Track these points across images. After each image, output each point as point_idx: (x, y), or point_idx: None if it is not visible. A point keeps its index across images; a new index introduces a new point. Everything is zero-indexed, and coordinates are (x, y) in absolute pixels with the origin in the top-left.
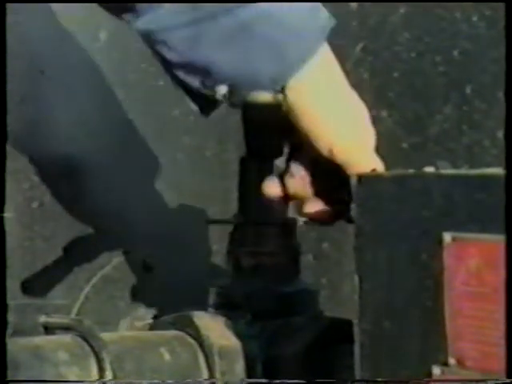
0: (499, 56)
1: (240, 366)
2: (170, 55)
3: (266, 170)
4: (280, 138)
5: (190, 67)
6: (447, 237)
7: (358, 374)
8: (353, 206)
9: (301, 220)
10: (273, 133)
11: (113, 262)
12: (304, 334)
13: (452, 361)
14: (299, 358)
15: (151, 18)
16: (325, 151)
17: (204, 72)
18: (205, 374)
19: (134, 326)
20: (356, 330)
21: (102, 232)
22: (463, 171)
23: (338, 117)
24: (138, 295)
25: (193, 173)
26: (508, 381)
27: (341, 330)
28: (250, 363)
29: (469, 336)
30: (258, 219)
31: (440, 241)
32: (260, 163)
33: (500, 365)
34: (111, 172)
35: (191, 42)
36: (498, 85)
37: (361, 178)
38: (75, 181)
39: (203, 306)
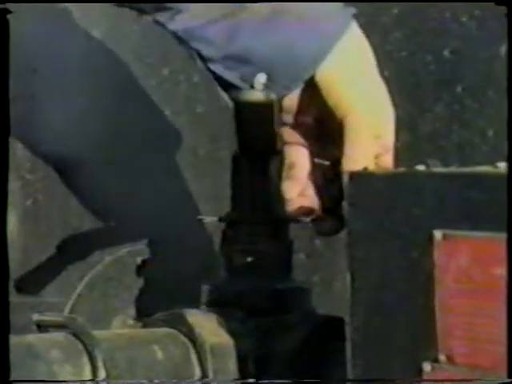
0: (489, 55)
1: (232, 364)
2: (208, 51)
3: (258, 168)
4: (272, 136)
5: (229, 61)
6: (438, 234)
7: (349, 371)
8: (344, 204)
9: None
10: (265, 131)
11: (105, 261)
12: (296, 332)
13: (442, 357)
14: (292, 355)
15: (188, 16)
16: (351, 125)
17: (243, 63)
18: (197, 371)
19: (126, 323)
20: (347, 327)
21: (95, 230)
22: (454, 169)
23: (368, 91)
24: (131, 293)
25: (185, 171)
26: (508, 381)
27: (333, 328)
28: (243, 361)
29: (459, 333)
30: (251, 217)
31: (431, 238)
32: (252, 161)
33: (491, 362)
34: (105, 171)
35: (229, 34)
36: (488, 84)
37: (352, 176)
38: (68, 179)
39: (196, 304)
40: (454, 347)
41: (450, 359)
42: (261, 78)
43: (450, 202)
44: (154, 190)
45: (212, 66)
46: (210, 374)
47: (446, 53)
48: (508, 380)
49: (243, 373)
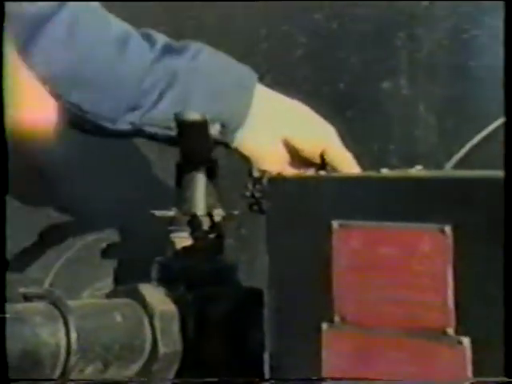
0: (374, 89)
1: (176, 326)
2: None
3: (196, 172)
4: (206, 147)
5: None
6: (335, 224)
7: (266, 330)
8: (264, 201)
9: None
10: (200, 143)
11: (77, 245)
12: (226, 301)
13: (337, 319)
14: (223, 319)
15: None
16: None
17: None
18: (148, 332)
19: (93, 295)
20: (266, 296)
21: (70, 221)
22: (347, 174)
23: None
24: (97, 271)
25: (139, 174)
26: (508, 380)
27: (254, 297)
28: (184, 324)
29: (350, 300)
30: (190, 211)
31: (329, 227)
32: (191, 167)
33: (376, 321)
34: (78, 175)
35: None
36: (372, 111)
37: (270, 179)
38: (49, 181)
39: (148, 279)
40: (346, 311)
41: (342, 320)
42: (216, 128)
43: (345, 199)
44: (116, 189)
45: None
46: (158, 334)
47: (341, 86)
48: (508, 380)
49: (184, 334)
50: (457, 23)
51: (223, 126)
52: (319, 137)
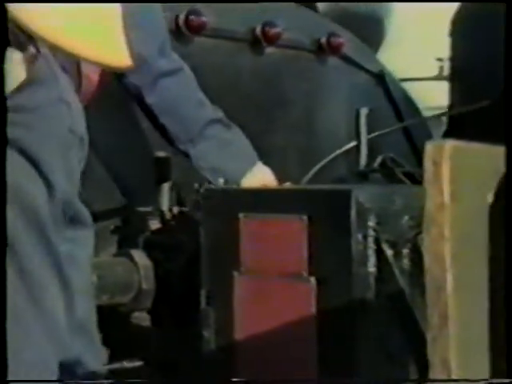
0: (265, 142)
1: (152, 274)
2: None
3: (163, 185)
4: (169, 170)
5: (214, 173)
6: (241, 215)
7: (203, 276)
8: (202, 202)
9: None
10: (165, 170)
11: (97, 227)
12: (180, 259)
13: (243, 269)
14: (178, 269)
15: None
16: None
17: (218, 174)
18: (136, 277)
19: (107, 255)
20: (202, 256)
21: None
22: (248, 187)
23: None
24: (108, 241)
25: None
26: (508, 381)
27: (196, 257)
28: (157, 273)
29: (252, 258)
30: (160, 208)
31: (237, 218)
32: (160, 182)
33: (266, 271)
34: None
35: (216, 158)
36: (263, 156)
37: (206, 189)
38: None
39: (137, 247)
40: (249, 264)
41: (246, 270)
42: (221, 181)
43: (248, 201)
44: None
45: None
46: (142, 278)
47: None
48: (508, 380)
49: (157, 278)
50: (308, 106)
51: (226, 181)
52: (271, 179)
